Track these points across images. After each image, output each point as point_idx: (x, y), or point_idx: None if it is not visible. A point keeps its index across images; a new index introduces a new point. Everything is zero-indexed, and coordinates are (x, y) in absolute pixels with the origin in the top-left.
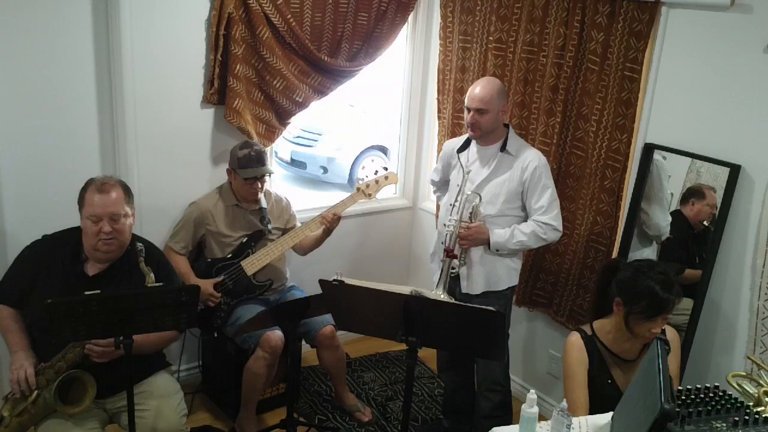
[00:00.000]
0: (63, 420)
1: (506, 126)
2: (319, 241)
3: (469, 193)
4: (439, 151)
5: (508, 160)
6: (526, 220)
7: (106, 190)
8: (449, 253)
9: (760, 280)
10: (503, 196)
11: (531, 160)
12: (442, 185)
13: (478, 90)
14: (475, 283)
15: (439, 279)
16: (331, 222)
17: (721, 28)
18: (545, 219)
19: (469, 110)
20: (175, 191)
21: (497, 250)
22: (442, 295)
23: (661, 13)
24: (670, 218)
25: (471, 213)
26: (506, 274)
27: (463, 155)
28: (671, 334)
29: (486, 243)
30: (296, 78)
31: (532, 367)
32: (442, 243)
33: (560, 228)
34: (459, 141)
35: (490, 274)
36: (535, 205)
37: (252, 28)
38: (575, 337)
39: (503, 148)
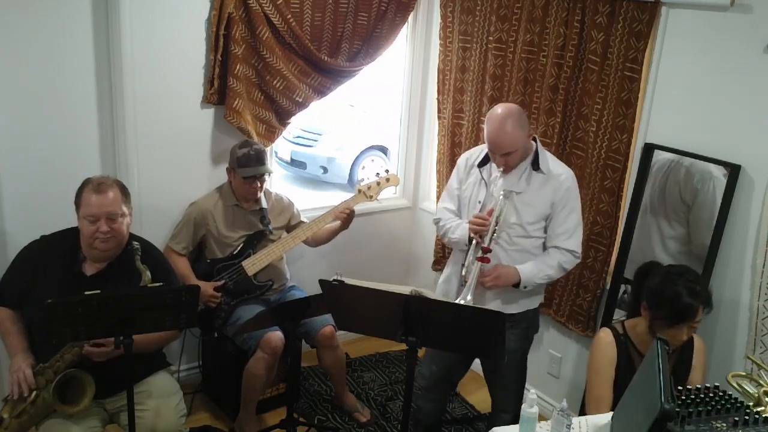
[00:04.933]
0: (63, 419)
1: (533, 139)
2: (334, 233)
3: (501, 197)
4: (440, 153)
5: (540, 179)
6: (544, 241)
7: (102, 191)
8: (486, 252)
9: (760, 280)
10: (533, 217)
11: (564, 179)
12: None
13: (502, 137)
14: (488, 302)
15: (467, 285)
16: (346, 219)
17: (721, 28)
18: (568, 245)
19: (494, 153)
20: (175, 191)
21: (525, 287)
22: (471, 300)
23: (661, 13)
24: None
25: (499, 215)
26: (524, 295)
27: (485, 170)
28: (699, 343)
29: (515, 284)
30: (296, 78)
31: (532, 367)
32: (466, 245)
33: (580, 255)
34: (476, 154)
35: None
36: (559, 229)
37: (252, 28)
38: (605, 334)
39: (536, 166)
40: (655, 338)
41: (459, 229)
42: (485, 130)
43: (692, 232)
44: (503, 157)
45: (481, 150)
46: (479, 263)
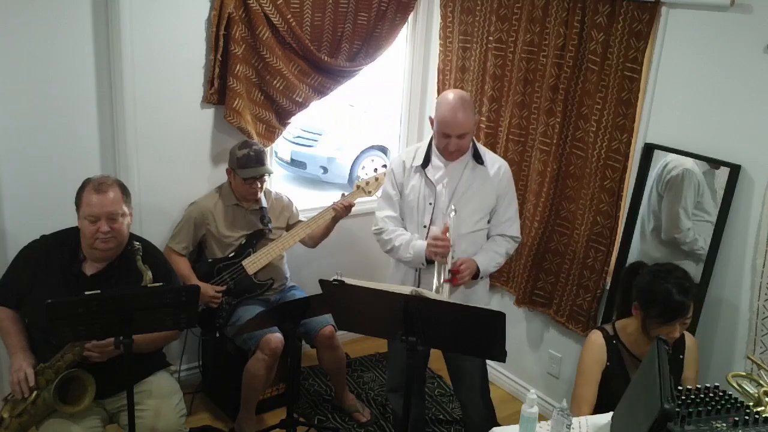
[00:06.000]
0: (64, 419)
1: None
2: (330, 228)
3: (453, 207)
4: None
5: (483, 171)
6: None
7: (103, 190)
8: (455, 274)
9: (760, 280)
10: (484, 211)
11: (504, 171)
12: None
13: (459, 115)
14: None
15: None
16: (343, 211)
17: (721, 28)
18: (512, 232)
19: (448, 136)
20: (175, 191)
21: (481, 278)
22: None
23: (661, 13)
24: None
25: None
26: (484, 293)
27: (429, 171)
28: (690, 341)
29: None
30: (296, 78)
31: (532, 367)
32: (422, 265)
33: (521, 238)
34: (412, 154)
35: (470, 296)
36: (503, 217)
37: (252, 28)
38: (596, 336)
39: (478, 159)
40: (648, 338)
41: (412, 249)
42: (438, 114)
43: (663, 221)
44: (458, 139)
45: (416, 150)
46: (447, 284)
